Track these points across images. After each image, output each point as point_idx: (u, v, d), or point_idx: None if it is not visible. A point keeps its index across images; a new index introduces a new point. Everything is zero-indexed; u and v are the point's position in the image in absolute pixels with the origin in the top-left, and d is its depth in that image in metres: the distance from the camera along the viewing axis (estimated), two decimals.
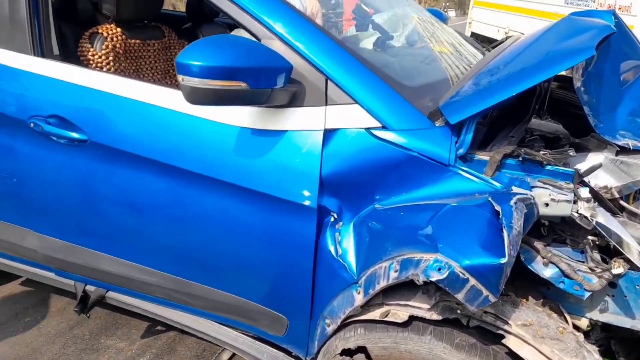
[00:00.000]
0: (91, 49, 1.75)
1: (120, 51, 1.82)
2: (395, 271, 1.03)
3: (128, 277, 1.59)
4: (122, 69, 1.83)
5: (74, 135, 1.45)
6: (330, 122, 1.21)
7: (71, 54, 1.74)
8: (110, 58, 1.78)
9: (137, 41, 1.90)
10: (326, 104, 1.22)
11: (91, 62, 1.75)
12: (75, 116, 1.46)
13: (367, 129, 1.19)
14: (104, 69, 1.77)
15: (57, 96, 1.49)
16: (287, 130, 1.24)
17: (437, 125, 1.19)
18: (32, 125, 1.49)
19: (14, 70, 1.52)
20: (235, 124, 1.28)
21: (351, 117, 1.21)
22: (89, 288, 1.73)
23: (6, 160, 1.60)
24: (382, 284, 1.07)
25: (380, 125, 1.19)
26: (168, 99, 1.35)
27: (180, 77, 1.09)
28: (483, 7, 5.88)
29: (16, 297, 2.26)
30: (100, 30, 1.78)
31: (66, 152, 1.49)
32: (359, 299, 1.14)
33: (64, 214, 1.61)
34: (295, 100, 1.23)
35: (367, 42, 1.99)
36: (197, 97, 1.10)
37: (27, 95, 1.52)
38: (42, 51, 1.55)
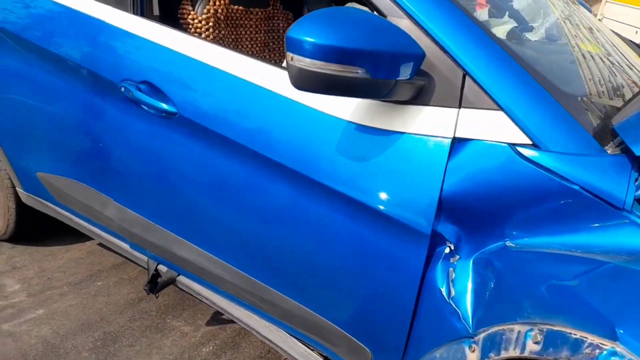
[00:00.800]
0: (192, 12, 1.62)
1: (222, 17, 1.67)
2: (536, 342, 0.77)
3: (201, 267, 1.47)
4: (221, 37, 1.68)
5: (164, 106, 1.32)
6: (461, 130, 0.96)
7: (171, 15, 1.62)
8: (210, 24, 1.63)
9: (240, 7, 1.74)
10: (460, 106, 0.97)
11: (190, 26, 1.62)
12: (168, 86, 1.32)
13: (512, 145, 0.92)
14: (203, 35, 1.63)
15: (151, 61, 1.36)
16: (404, 133, 1.00)
17: (609, 152, 0.90)
18: (122, 89, 1.38)
19: (110, 27, 1.41)
20: (340, 115, 1.07)
21: (491, 127, 0.94)
22: (161, 268, 1.63)
23: (95, 122, 1.52)
24: (512, 352, 0.82)
25: (531, 142, 0.91)
26: (271, 78, 1.16)
27: (289, 55, 0.89)
28: (619, 4, 5.12)
29: (93, 256, 2.26)
30: None
31: (153, 122, 1.37)
32: (472, 358, 0.90)
33: (144, 188, 1.50)
34: (420, 96, 0.99)
35: (500, 31, 1.68)
36: (305, 81, 0.90)
37: (122, 56, 1.41)
38: (142, 10, 1.43)
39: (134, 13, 1.41)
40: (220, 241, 1.39)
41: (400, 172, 1.00)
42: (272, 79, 1.16)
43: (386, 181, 1.02)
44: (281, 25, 1.90)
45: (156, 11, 1.46)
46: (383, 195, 1.02)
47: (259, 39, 1.83)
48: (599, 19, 5.41)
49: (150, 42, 1.35)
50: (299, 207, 1.16)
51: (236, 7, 1.72)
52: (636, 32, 4.74)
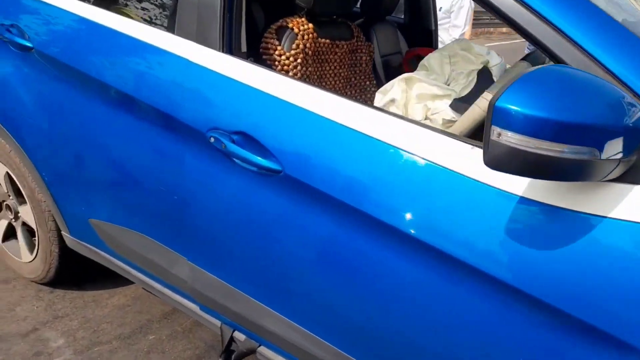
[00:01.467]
0: (278, 47, 1.43)
1: (310, 52, 1.48)
2: None
3: (292, 342, 1.27)
4: (308, 74, 1.49)
5: (264, 162, 1.12)
6: None
7: (255, 50, 1.43)
8: (299, 60, 1.44)
9: (327, 41, 1.55)
10: None
11: (277, 62, 1.43)
12: (269, 138, 1.13)
13: None
14: (290, 73, 1.44)
15: (248, 108, 1.17)
16: (602, 217, 0.81)
17: None
18: (211, 140, 1.18)
19: (194, 66, 1.22)
20: (507, 188, 0.88)
21: None
22: (238, 335, 1.43)
23: (170, 171, 1.32)
24: None
25: None
26: (408, 135, 0.98)
27: (494, 130, 0.70)
28: None
29: (141, 303, 2.06)
30: (290, 25, 1.44)
31: (249, 179, 1.17)
32: None
33: (230, 251, 1.30)
34: (630, 174, 0.80)
35: None
36: (508, 161, 0.71)
37: (210, 100, 1.21)
38: (231, 47, 1.24)
39: (221, 50, 1.22)
40: (325, 321, 1.19)
41: (595, 268, 0.81)
42: (410, 135, 0.97)
43: (571, 280, 0.82)
44: (364, 58, 1.71)
45: (244, 47, 1.28)
46: (568, 300, 0.82)
47: (342, 74, 1.65)
48: None
49: (246, 86, 1.16)
50: (446, 297, 0.96)
51: (323, 40, 1.53)
52: None
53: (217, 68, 1.20)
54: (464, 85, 1.33)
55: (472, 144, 0.94)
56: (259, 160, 1.13)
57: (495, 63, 1.30)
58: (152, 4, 1.53)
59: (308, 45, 1.46)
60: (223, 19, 1.21)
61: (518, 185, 0.86)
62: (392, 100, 1.45)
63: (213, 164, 1.23)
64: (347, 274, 1.10)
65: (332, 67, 1.60)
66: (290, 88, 1.13)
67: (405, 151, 0.98)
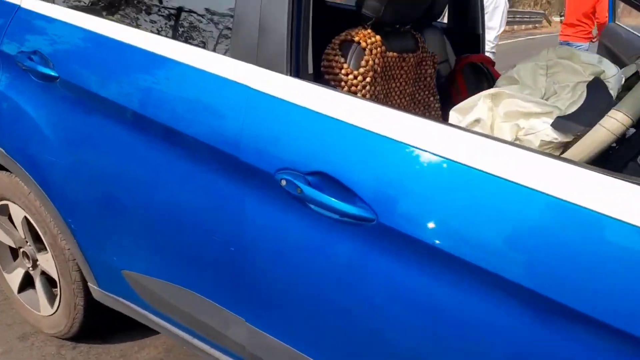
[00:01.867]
0: (344, 65, 1.21)
1: (378, 69, 1.27)
2: None
3: None
4: (376, 94, 1.28)
5: (352, 209, 0.91)
6: None
7: (317, 70, 1.22)
8: (368, 79, 1.23)
9: (394, 54, 1.34)
10: None
11: (342, 83, 1.21)
12: (356, 179, 0.91)
13: None
14: (359, 94, 1.22)
15: (327, 143, 0.95)
16: None
17: None
18: (283, 183, 0.97)
19: (262, 95, 1.01)
20: None
21: None
22: None
23: (228, 219, 1.10)
24: None
25: None
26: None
27: None
28: None
29: (174, 355, 1.83)
30: (356, 38, 1.23)
31: (329, 229, 0.95)
32: None
33: (301, 311, 1.08)
34: None
35: None
36: None
37: (280, 135, 1.00)
38: (299, 69, 1.03)
39: (289, 73, 1.01)
40: None
41: None
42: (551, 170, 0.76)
43: None
44: (429, 71, 1.50)
45: (310, 68, 1.07)
46: None
47: (407, 90, 1.43)
48: None
49: (323, 116, 0.95)
50: None
51: (391, 54, 1.32)
52: None
53: (286, 96, 0.99)
54: (571, 101, 1.11)
55: (631, 181, 0.73)
56: (345, 206, 0.91)
57: (612, 74, 1.08)
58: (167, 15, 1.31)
59: (377, 61, 1.25)
60: (291, 36, 1.00)
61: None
62: (477, 120, 1.24)
63: (283, 211, 1.01)
64: (467, 347, 0.88)
65: (399, 84, 1.39)
66: (379, 117, 0.91)
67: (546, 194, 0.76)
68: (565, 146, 1.13)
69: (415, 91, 1.47)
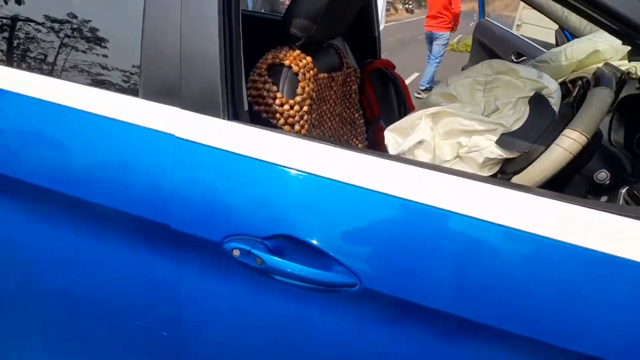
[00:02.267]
0: (277, 94, 1.05)
1: (314, 94, 1.13)
2: None
3: None
4: (312, 122, 1.14)
5: (328, 277, 0.77)
6: None
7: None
8: (305, 108, 1.08)
9: (325, 75, 1.20)
10: None
11: (278, 114, 1.05)
12: (331, 239, 0.78)
13: None
14: (297, 126, 1.07)
15: (287, 200, 0.80)
16: None
17: None
18: (236, 253, 0.79)
19: (198, 147, 0.82)
20: None
21: None
22: None
23: (162, 304, 0.89)
24: None
25: None
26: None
27: None
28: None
29: None
30: (286, 62, 1.07)
31: (302, 301, 0.81)
32: None
33: None
34: None
35: None
36: None
37: (226, 196, 0.82)
38: (236, 109, 0.85)
39: (226, 116, 0.82)
40: None
41: None
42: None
43: None
44: (353, 87, 1.40)
45: (246, 105, 0.89)
46: None
47: (336, 111, 1.31)
48: (518, 24, 5.63)
49: (279, 168, 0.79)
50: None
51: (322, 75, 1.18)
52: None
53: (228, 144, 0.80)
54: (515, 118, 1.09)
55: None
56: (319, 274, 0.77)
57: (554, 89, 1.08)
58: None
59: (311, 86, 1.10)
60: (225, 66, 0.82)
61: None
62: (421, 142, 1.17)
63: (238, 289, 0.83)
64: None
65: (329, 106, 1.26)
66: (352, 162, 0.78)
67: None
68: (505, 162, 1.11)
69: (342, 110, 1.36)
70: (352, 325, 0.80)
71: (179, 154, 0.82)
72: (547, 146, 1.04)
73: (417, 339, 0.79)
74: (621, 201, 0.98)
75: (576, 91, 1.12)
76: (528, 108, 1.09)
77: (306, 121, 1.08)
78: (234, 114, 0.84)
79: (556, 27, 4.91)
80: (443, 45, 5.81)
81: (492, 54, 2.83)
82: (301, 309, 0.81)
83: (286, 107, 1.05)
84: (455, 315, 0.75)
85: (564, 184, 1.03)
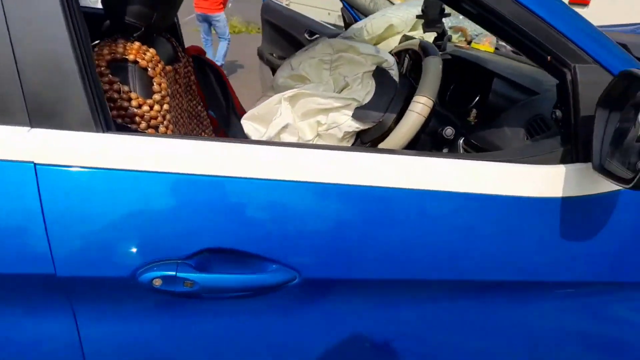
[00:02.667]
0: (131, 94, 0.89)
1: (169, 90, 1.00)
2: None
3: None
4: (173, 120, 1.01)
5: (264, 278, 0.73)
6: None
7: None
8: (166, 107, 0.95)
9: (170, 68, 1.07)
10: None
11: (138, 118, 0.90)
12: (258, 240, 0.73)
13: None
14: (162, 127, 0.93)
15: (198, 211, 0.71)
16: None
17: None
18: (157, 283, 0.68)
19: (72, 175, 0.65)
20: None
21: None
22: None
23: None
24: None
25: None
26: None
27: None
28: None
29: None
30: (130, 56, 0.92)
31: (246, 312, 0.75)
32: None
33: None
34: None
35: None
36: None
37: (123, 223, 0.68)
38: (107, 118, 0.71)
39: (100, 128, 0.68)
40: None
41: None
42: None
43: None
44: (192, 78, 1.28)
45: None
46: None
47: (184, 106, 1.18)
48: (287, 4, 5.93)
49: (180, 178, 0.70)
50: None
51: (168, 68, 1.04)
52: (328, 14, 5.45)
53: (111, 161, 0.66)
54: (365, 91, 1.17)
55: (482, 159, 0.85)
56: (257, 279, 0.72)
57: (392, 62, 1.18)
58: None
59: (164, 80, 0.97)
60: (83, 65, 0.66)
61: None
62: (285, 126, 1.17)
63: (162, 319, 0.71)
64: None
65: (178, 101, 1.14)
66: (247, 155, 0.73)
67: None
68: (361, 133, 1.20)
69: (188, 104, 1.25)
70: (299, 319, 0.77)
71: (47, 185, 0.64)
72: (397, 113, 1.16)
73: (360, 312, 0.81)
74: (461, 150, 1.17)
75: (407, 62, 1.27)
76: (374, 81, 1.18)
77: (169, 121, 0.96)
78: (106, 124, 0.69)
79: (323, 6, 5.38)
80: (225, 25, 5.84)
81: (284, 34, 2.95)
82: (243, 320, 0.75)
83: (145, 107, 0.91)
84: (379, 279, 0.79)
85: (415, 143, 1.17)
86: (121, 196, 0.67)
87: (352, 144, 1.24)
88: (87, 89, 0.66)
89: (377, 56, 1.19)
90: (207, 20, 5.75)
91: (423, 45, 1.20)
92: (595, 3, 3.40)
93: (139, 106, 0.90)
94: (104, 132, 0.68)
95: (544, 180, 0.84)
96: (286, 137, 1.16)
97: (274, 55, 3.01)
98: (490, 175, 0.82)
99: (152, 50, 0.98)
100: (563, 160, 0.87)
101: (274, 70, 3.04)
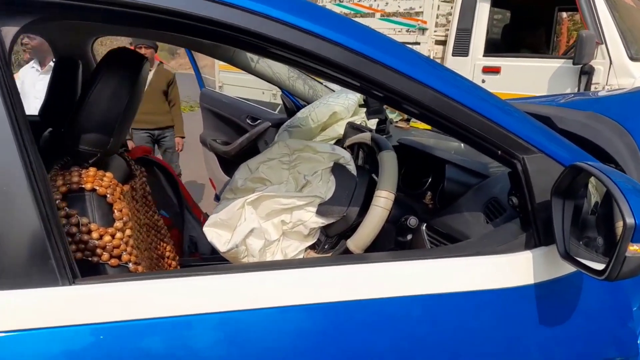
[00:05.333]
0: (92, 226, 0.84)
1: (130, 213, 0.95)
2: None
3: None
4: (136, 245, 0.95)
5: None
6: None
7: None
8: (128, 232, 0.90)
9: (128, 187, 1.03)
10: None
11: (98, 249, 0.84)
12: None
13: None
14: (124, 257, 0.88)
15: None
16: None
17: None
18: None
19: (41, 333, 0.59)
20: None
21: None
22: None
23: None
24: None
25: None
26: None
27: (633, 247, 0.68)
28: (231, 72, 5.82)
29: None
30: (87, 185, 0.87)
31: None
32: None
33: None
34: None
35: None
36: (636, 271, 0.71)
37: None
38: (72, 268, 0.66)
39: (68, 280, 0.63)
40: None
41: None
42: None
43: None
44: (147, 189, 1.24)
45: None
46: None
47: (142, 221, 1.13)
48: (220, 86, 6.04)
49: (158, 324, 0.65)
50: None
51: (126, 188, 1.00)
52: (262, 93, 5.59)
53: (83, 317, 0.61)
54: (325, 188, 1.19)
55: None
56: None
57: (349, 158, 1.22)
58: None
59: (125, 204, 0.93)
60: (46, 213, 0.62)
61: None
62: (251, 231, 1.15)
63: None
64: None
65: (137, 219, 1.09)
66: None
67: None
68: (329, 226, 1.21)
69: (145, 218, 1.20)
70: None
71: (8, 355, 0.57)
72: (360, 205, 1.18)
73: None
74: (425, 236, 1.20)
75: (364, 156, 1.32)
76: (333, 177, 1.21)
77: (133, 247, 0.91)
78: (72, 273, 0.64)
79: (254, 86, 5.53)
80: None
81: (226, 120, 2.98)
82: None
83: (107, 237, 0.86)
84: None
85: (379, 233, 1.19)
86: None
87: (319, 239, 1.24)
88: (50, 236, 0.62)
89: (334, 153, 1.23)
90: None
91: (375, 139, 1.26)
92: (506, 71, 3.76)
93: (100, 237, 0.85)
94: (72, 284, 0.63)
95: (514, 269, 0.87)
96: (252, 242, 1.14)
97: (218, 141, 3.02)
98: (464, 272, 0.84)
99: (108, 174, 0.94)
100: (528, 246, 0.91)
101: (218, 156, 3.05)
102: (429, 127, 2.01)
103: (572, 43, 4.46)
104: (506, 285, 0.86)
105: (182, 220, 1.81)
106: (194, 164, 4.29)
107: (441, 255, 0.85)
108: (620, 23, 3.16)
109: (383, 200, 1.08)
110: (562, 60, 3.49)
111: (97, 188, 0.89)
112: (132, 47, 3.46)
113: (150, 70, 3.50)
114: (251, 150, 2.79)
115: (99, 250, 0.85)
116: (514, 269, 0.87)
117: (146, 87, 3.53)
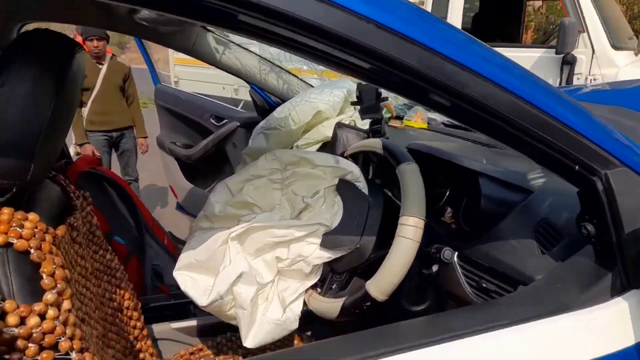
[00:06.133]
0: (5, 305, 0.54)
1: (67, 271, 0.65)
2: None
3: None
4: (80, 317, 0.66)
5: None
6: None
7: None
8: (66, 304, 0.60)
9: (63, 229, 0.73)
10: None
11: (20, 341, 0.54)
12: None
13: None
14: (63, 344, 0.59)
15: None
16: None
17: None
18: None
19: None
20: None
21: None
22: None
23: None
24: None
25: None
26: None
27: None
28: (188, 65, 5.34)
29: None
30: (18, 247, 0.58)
31: None
32: None
33: None
34: None
35: None
36: None
37: None
38: None
39: None
40: None
41: None
42: None
43: None
44: (94, 222, 0.93)
45: None
46: None
47: (89, 269, 0.83)
48: (175, 82, 5.62)
49: None
50: None
51: (59, 231, 0.70)
52: (223, 88, 5.18)
53: None
54: (332, 212, 0.92)
55: None
56: None
57: (358, 172, 0.95)
58: None
59: (60, 257, 0.64)
60: None
61: None
62: (240, 276, 0.87)
63: None
64: None
65: (80, 268, 0.79)
66: None
67: None
68: (336, 261, 0.95)
69: (93, 261, 0.89)
70: None
71: None
72: (376, 233, 0.93)
73: None
74: (458, 268, 0.96)
75: (373, 168, 1.06)
76: (340, 198, 0.95)
77: (74, 324, 0.62)
78: None
79: (214, 80, 5.14)
80: None
81: (186, 120, 2.66)
82: None
83: (33, 320, 0.56)
84: None
85: None
86: None
87: (323, 276, 0.98)
88: None
89: (338, 167, 0.96)
90: None
91: (389, 148, 1.00)
92: None
93: (22, 321, 0.56)
94: None
95: (610, 326, 0.65)
96: (242, 289, 0.86)
97: (177, 143, 2.69)
98: (554, 340, 0.61)
99: (32, 216, 0.64)
100: (614, 290, 0.70)
101: (179, 161, 2.72)
102: (425, 126, 1.78)
103: (552, 31, 4.36)
104: (603, 353, 0.64)
105: (142, 245, 1.50)
106: (151, 166, 3.90)
107: (519, 322, 0.62)
108: (602, 10, 3.05)
109: (412, 230, 0.83)
110: (543, 49, 3.35)
111: (14, 241, 0.59)
112: (81, 40, 3.04)
113: (102, 64, 3.08)
114: (217, 154, 2.49)
115: (19, 343, 0.55)
116: (610, 325, 0.65)
117: (99, 84, 3.16)
